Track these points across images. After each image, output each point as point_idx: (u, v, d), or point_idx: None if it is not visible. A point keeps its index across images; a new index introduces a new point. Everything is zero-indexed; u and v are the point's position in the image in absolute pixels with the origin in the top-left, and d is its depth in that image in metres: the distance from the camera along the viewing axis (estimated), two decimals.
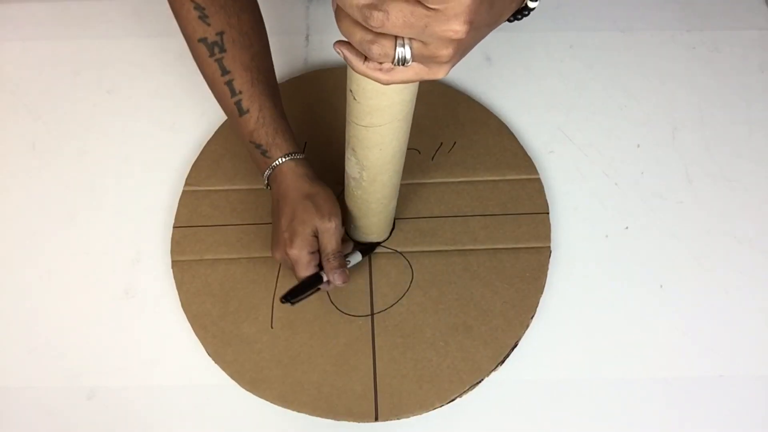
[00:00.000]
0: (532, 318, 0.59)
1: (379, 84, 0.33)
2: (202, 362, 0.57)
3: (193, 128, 0.69)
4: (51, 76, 0.74)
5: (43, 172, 0.68)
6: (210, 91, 0.57)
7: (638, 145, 0.69)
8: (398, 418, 0.55)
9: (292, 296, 0.53)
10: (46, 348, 0.59)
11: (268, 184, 0.57)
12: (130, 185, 0.67)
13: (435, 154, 0.67)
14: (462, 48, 0.30)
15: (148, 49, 0.75)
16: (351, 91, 0.40)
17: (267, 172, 0.56)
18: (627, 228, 0.64)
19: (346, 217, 0.58)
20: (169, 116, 0.71)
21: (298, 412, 0.55)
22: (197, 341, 0.58)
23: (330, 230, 0.53)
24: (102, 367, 0.58)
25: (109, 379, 0.57)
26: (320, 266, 0.54)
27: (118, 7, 0.78)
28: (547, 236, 0.62)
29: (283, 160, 0.55)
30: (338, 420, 0.55)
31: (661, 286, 0.61)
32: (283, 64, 0.73)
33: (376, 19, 0.27)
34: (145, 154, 0.68)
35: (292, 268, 0.55)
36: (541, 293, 0.59)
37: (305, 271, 0.54)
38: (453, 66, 0.31)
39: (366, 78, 0.32)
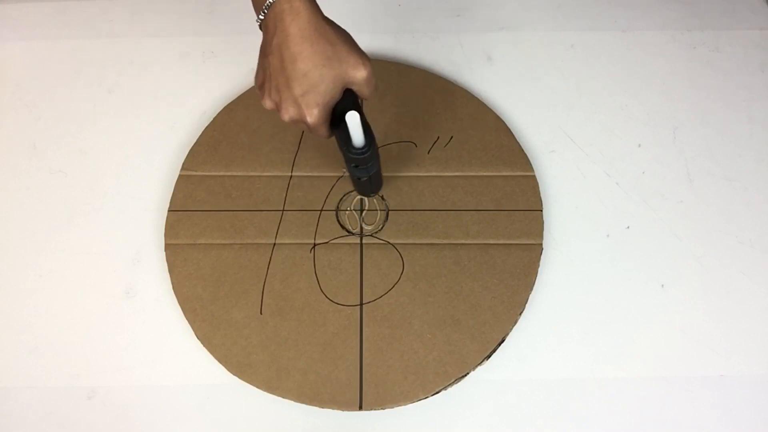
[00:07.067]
0: (520, 314, 0.59)
1: None
2: (202, 362, 0.57)
3: (194, 128, 0.69)
4: (51, 75, 0.74)
5: (43, 172, 0.68)
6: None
7: (639, 145, 0.69)
8: (382, 408, 0.55)
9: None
10: (46, 348, 0.59)
11: (262, 19, 0.49)
12: (131, 185, 0.67)
13: (431, 148, 0.67)
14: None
15: (148, 49, 0.75)
16: None
17: (270, 1, 0.47)
18: (628, 227, 0.64)
19: None
20: (169, 116, 0.71)
21: (283, 398, 0.55)
22: (197, 341, 0.58)
23: (363, 80, 0.48)
24: (102, 367, 0.58)
25: (109, 379, 0.57)
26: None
27: (118, 7, 0.79)
28: (539, 233, 0.62)
29: None
30: (323, 407, 0.55)
31: (662, 286, 0.61)
32: None
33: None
34: (145, 154, 0.68)
35: (299, 119, 0.49)
36: (531, 290, 0.60)
37: (324, 132, 0.50)
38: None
39: None
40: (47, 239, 0.64)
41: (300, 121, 0.49)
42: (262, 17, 0.48)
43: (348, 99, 0.50)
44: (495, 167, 0.66)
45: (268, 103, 0.50)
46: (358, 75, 0.47)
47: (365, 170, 0.54)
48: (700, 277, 0.62)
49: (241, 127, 0.68)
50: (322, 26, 0.47)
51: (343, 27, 0.49)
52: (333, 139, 0.53)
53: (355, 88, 0.49)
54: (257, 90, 0.52)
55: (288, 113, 0.49)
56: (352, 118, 0.48)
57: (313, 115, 0.48)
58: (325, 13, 0.49)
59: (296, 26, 0.46)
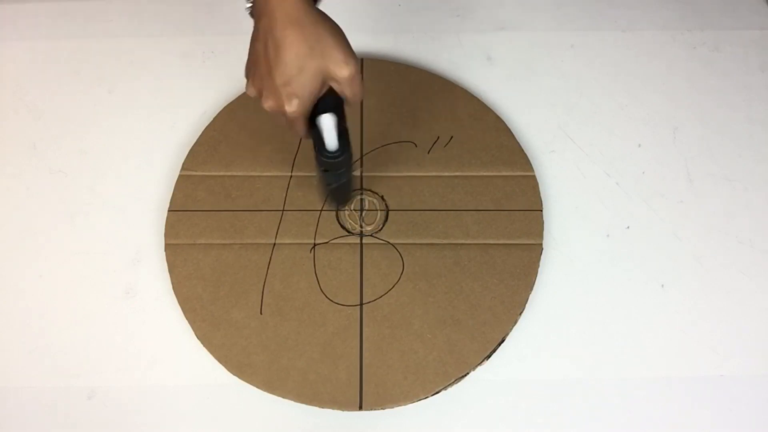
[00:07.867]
0: (520, 314, 0.59)
1: None
2: (202, 362, 0.57)
3: (194, 128, 0.69)
4: (51, 75, 0.74)
5: (43, 172, 0.68)
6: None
7: (639, 145, 0.69)
8: (382, 408, 0.55)
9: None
10: (46, 348, 0.59)
11: (251, 6, 0.47)
12: (131, 185, 0.67)
13: (431, 148, 0.67)
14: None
15: (148, 49, 0.75)
16: None
17: None
18: (628, 227, 0.64)
19: None
20: (169, 116, 0.71)
21: (283, 398, 0.55)
22: (198, 341, 0.58)
23: (345, 78, 0.45)
24: (102, 367, 0.58)
25: (109, 379, 0.57)
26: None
27: (118, 7, 0.78)
28: (539, 233, 0.62)
29: None
30: (322, 407, 0.55)
31: (662, 286, 0.61)
32: None
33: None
34: (145, 154, 0.68)
35: (278, 110, 0.46)
36: (531, 290, 0.60)
37: (301, 127, 0.48)
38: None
39: None
40: (47, 239, 0.64)
41: (279, 112, 0.47)
42: (250, 4, 0.47)
43: (333, 100, 0.48)
44: (495, 167, 0.66)
45: (251, 90, 0.48)
46: (340, 72, 0.45)
47: (335, 177, 0.53)
48: (700, 277, 0.62)
49: (241, 127, 0.68)
50: (310, 13, 0.44)
51: (339, 25, 0.48)
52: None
53: (336, 86, 0.47)
54: (245, 76, 0.50)
55: (268, 102, 0.47)
56: (326, 121, 0.47)
57: (291, 105, 0.46)
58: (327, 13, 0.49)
59: (282, 10, 0.44)
